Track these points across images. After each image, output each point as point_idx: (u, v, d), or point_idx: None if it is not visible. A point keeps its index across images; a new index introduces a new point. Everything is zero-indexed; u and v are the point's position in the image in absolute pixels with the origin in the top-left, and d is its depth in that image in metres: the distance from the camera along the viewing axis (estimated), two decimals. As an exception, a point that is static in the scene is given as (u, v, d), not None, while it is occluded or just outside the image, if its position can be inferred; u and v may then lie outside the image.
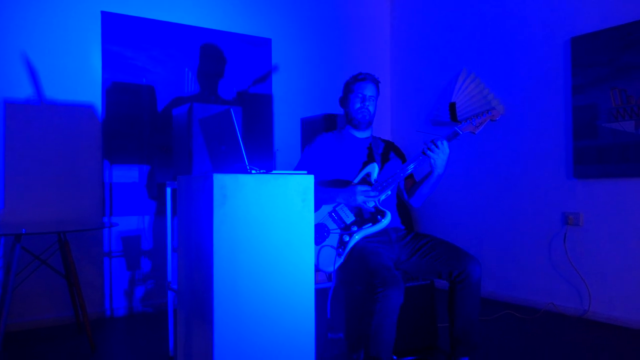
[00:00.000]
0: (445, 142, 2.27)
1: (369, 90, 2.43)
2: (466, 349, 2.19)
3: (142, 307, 3.80)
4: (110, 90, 3.70)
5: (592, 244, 3.48)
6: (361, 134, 2.51)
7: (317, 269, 2.30)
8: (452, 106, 4.21)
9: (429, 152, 2.27)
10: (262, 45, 4.29)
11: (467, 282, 2.15)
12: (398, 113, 4.97)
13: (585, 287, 3.50)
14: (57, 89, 3.53)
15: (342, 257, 2.27)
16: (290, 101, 4.40)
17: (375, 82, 2.47)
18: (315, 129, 3.25)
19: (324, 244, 2.30)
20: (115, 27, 3.71)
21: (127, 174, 3.76)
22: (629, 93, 3.25)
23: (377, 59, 4.97)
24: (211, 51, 4.08)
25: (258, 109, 4.26)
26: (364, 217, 2.31)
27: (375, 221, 2.29)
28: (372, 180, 2.35)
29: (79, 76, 3.60)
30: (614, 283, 3.37)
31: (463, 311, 2.17)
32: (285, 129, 4.34)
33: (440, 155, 2.26)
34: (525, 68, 3.90)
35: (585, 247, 3.52)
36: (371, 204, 2.29)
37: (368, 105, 2.43)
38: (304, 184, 1.82)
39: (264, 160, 4.22)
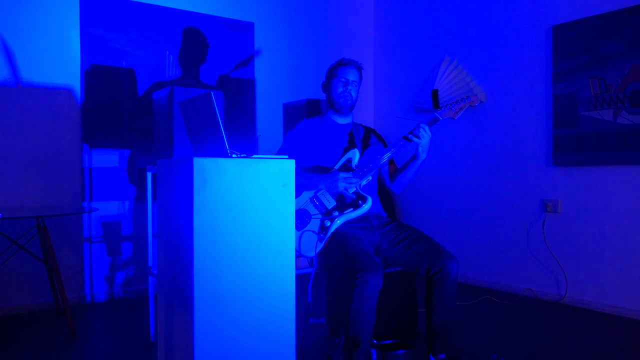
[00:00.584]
0: (427, 128, 2.29)
1: (351, 75, 2.44)
2: (444, 346, 2.21)
3: (122, 292, 3.78)
4: (90, 73, 3.64)
5: (570, 230, 3.54)
6: (342, 120, 2.51)
7: (299, 254, 2.30)
8: (435, 93, 4.22)
9: (413, 137, 2.28)
10: (244, 30, 4.25)
11: (445, 280, 2.15)
12: (381, 99, 4.97)
13: (562, 273, 3.57)
14: (35, 72, 3.46)
15: (323, 242, 2.28)
16: (273, 86, 4.37)
17: (358, 68, 2.47)
18: (298, 114, 3.23)
19: (305, 229, 2.30)
20: (94, 8, 3.64)
21: (107, 159, 3.72)
22: (607, 82, 3.29)
23: (361, 45, 4.96)
24: (193, 35, 4.03)
25: (240, 94, 4.23)
26: (345, 202, 2.32)
27: (356, 206, 2.30)
28: (353, 165, 2.36)
29: (57, 58, 3.54)
30: (590, 269, 3.44)
31: (440, 308, 2.19)
32: (268, 114, 4.32)
33: (425, 140, 2.28)
34: (507, 56, 3.92)
35: (563, 234, 3.57)
36: (352, 190, 2.29)
37: (350, 90, 2.43)
38: (285, 168, 1.81)
39: (246, 145, 4.20)
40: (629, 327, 3.08)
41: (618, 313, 3.29)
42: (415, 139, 2.28)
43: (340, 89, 2.43)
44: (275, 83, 4.38)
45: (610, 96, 3.28)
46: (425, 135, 2.28)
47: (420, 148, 2.31)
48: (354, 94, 2.45)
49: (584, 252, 3.47)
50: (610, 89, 3.28)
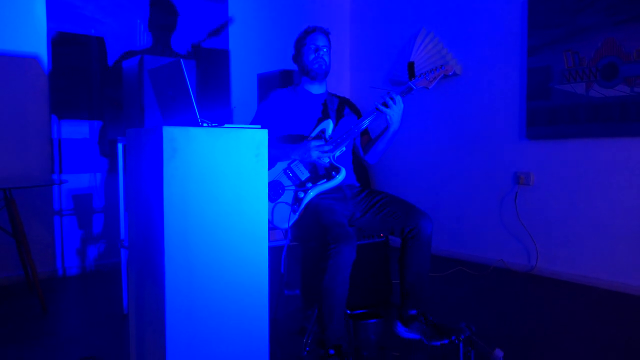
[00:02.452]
0: (399, 98, 2.26)
1: (320, 41, 2.40)
2: (415, 302, 2.23)
3: (95, 266, 3.74)
4: (57, 41, 3.51)
5: (541, 203, 3.60)
6: (316, 90, 2.48)
7: (273, 226, 2.29)
8: (411, 65, 4.20)
9: (383, 107, 2.26)
10: (218, -2, 4.14)
11: (418, 237, 2.18)
12: (357, 71, 4.93)
13: (533, 245, 3.63)
14: (-2, 39, 3.33)
15: (297, 214, 2.27)
16: (248, 57, 4.30)
17: (326, 33, 2.43)
18: (273, 84, 3.19)
19: (279, 200, 2.29)
20: (60, -27, 3.50)
21: (77, 130, 3.62)
22: (581, 55, 3.31)
23: (337, 16, 4.89)
24: (163, 2, 3.91)
25: (215, 65, 4.15)
26: (318, 173, 2.30)
27: (329, 177, 2.28)
28: (327, 136, 2.34)
29: (21, 25, 3.40)
30: (560, 240, 3.51)
31: (413, 266, 2.21)
32: (242, 85, 4.25)
33: (395, 110, 2.26)
34: (483, 28, 3.90)
35: (535, 206, 3.63)
36: (326, 160, 2.28)
37: (322, 55, 2.40)
38: (257, 138, 1.78)
39: (221, 116, 4.13)
40: (596, 295, 3.16)
41: (586, 282, 3.37)
42: (385, 109, 2.26)
43: (313, 56, 2.39)
44: (249, 53, 4.31)
45: (583, 69, 3.30)
46: (394, 106, 2.25)
47: (389, 118, 2.29)
48: (326, 58, 2.41)
49: (554, 223, 3.53)
50: (583, 63, 3.30)
